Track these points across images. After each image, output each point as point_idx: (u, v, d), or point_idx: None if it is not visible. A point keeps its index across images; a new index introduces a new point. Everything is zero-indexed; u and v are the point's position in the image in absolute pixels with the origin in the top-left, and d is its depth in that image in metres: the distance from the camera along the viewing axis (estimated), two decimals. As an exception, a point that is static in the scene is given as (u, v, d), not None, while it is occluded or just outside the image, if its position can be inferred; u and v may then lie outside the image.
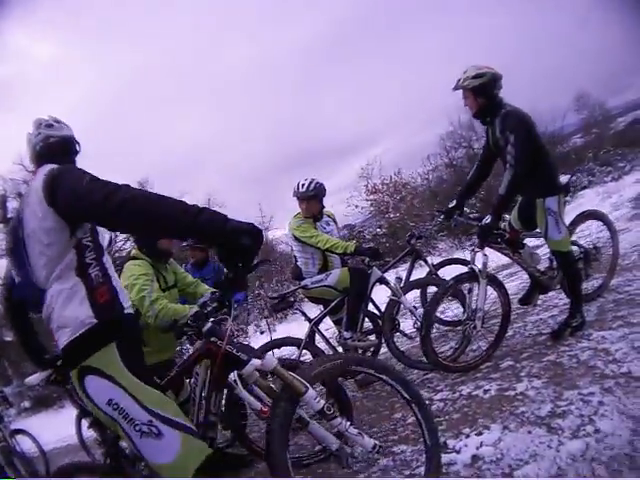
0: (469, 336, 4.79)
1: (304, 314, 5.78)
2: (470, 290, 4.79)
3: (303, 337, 5.55)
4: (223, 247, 2.08)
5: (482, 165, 5.16)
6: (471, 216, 5.16)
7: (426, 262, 6.41)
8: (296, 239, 5.69)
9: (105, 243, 2.61)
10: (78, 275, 2.39)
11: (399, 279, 6.05)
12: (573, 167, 17.10)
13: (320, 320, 5.75)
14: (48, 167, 2.40)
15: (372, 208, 17.41)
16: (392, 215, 16.03)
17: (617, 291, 5.40)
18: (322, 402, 2.60)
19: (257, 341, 10.79)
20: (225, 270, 2.26)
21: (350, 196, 17.66)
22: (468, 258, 4.87)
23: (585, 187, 16.28)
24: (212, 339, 2.72)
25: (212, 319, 2.81)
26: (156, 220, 2.09)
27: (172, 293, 4.38)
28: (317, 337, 5.80)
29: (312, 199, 5.68)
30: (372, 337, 5.80)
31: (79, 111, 38.88)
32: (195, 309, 2.83)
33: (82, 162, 2.56)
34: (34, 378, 4.51)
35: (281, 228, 21.62)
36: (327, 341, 5.77)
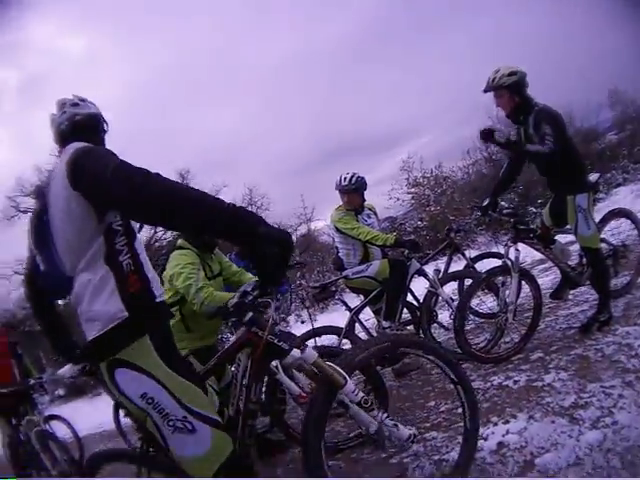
0: (502, 328, 4.92)
1: (345, 304, 5.95)
2: (503, 284, 4.97)
3: (343, 326, 5.66)
4: (253, 250, 1.95)
5: (513, 163, 5.30)
6: (504, 212, 5.23)
7: (464, 255, 6.56)
8: (338, 230, 5.82)
9: (137, 226, 2.46)
10: (107, 263, 2.20)
11: (437, 271, 6.12)
12: (607, 164, 16.99)
13: (360, 310, 5.87)
14: (74, 146, 2.22)
15: (413, 201, 17.62)
16: (433, 208, 15.94)
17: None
18: (360, 394, 2.60)
19: (298, 330, 10.71)
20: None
21: (391, 189, 17.71)
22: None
23: (619, 184, 16.10)
24: (253, 329, 2.67)
25: (253, 308, 2.73)
26: (186, 219, 1.95)
27: (217, 281, 4.45)
28: (357, 327, 5.94)
29: (354, 192, 5.83)
30: (410, 327, 6.00)
31: (114, 107, 39.23)
32: (235, 299, 2.74)
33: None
34: (66, 370, 4.66)
35: (323, 219, 22.01)
36: (367, 330, 5.93)
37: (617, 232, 6.02)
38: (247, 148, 41.71)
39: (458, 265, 6.94)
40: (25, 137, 36.13)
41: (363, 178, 5.89)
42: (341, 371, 2.59)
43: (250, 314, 2.68)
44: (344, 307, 5.93)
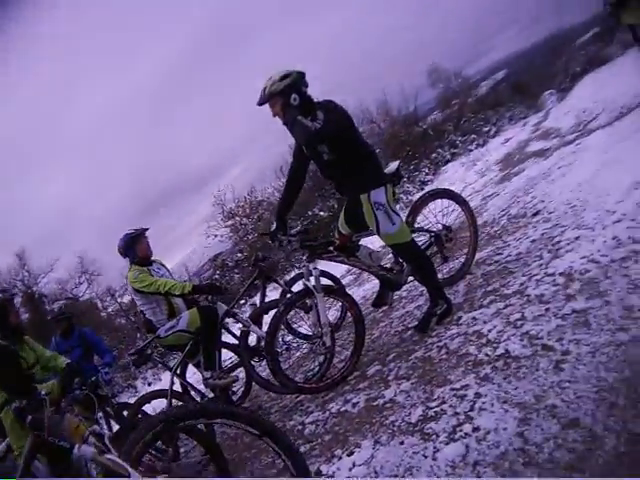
0: (324, 352, 4.67)
1: (163, 364, 5.93)
2: (311, 307, 4.64)
3: (167, 388, 5.41)
4: None
5: (295, 172, 4.86)
6: (292, 232, 4.90)
7: (277, 281, 6.43)
8: (137, 291, 5.55)
9: None
10: None
11: (254, 305, 6.20)
12: (431, 144, 17.59)
13: (179, 367, 5.65)
14: None
15: (232, 234, 17.45)
16: (251, 237, 15.91)
17: (486, 263, 5.27)
18: None
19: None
20: None
21: (208, 226, 17.59)
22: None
23: (448, 161, 16.58)
24: (35, 433, 2.75)
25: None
26: None
27: (37, 371, 4.44)
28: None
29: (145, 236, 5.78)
30: (236, 372, 5.83)
31: None
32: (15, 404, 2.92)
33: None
34: None
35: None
36: (192, 387, 5.69)
37: (435, 215, 5.77)
38: (77, 212, 40.95)
39: (276, 293, 6.69)
40: None
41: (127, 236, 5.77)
42: (122, 464, 2.53)
43: (29, 417, 2.75)
44: (163, 367, 5.96)
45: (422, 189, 14.77)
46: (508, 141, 14.28)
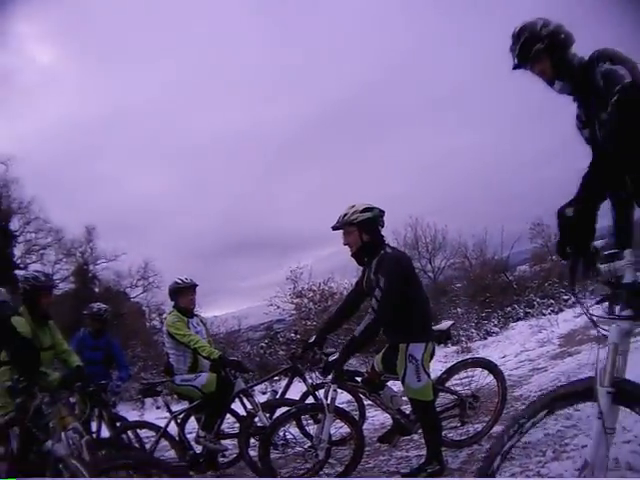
0: (314, 464, 4.68)
1: (167, 406, 5.88)
2: (319, 420, 4.79)
3: (163, 425, 5.74)
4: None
5: (349, 303, 5.13)
6: (326, 351, 5.15)
7: (304, 381, 6.43)
8: (170, 335, 5.84)
9: None
10: None
11: (274, 392, 6.27)
12: (511, 297, 17.39)
13: (181, 415, 5.98)
14: None
15: (294, 312, 17.34)
16: (310, 322, 15.75)
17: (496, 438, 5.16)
18: None
19: (152, 414, 10.87)
20: None
21: (275, 295, 17.37)
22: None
23: (520, 319, 16.29)
24: (18, 415, 2.99)
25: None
26: None
27: (48, 354, 4.67)
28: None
29: (194, 291, 6.14)
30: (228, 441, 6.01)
31: (55, 128, 38.83)
32: (8, 384, 2.98)
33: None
34: None
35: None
36: (184, 437, 5.82)
37: (468, 382, 5.80)
38: (158, 219, 41.36)
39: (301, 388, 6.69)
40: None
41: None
42: (83, 471, 2.75)
43: (19, 400, 2.98)
44: (166, 409, 5.90)
45: (485, 338, 14.92)
46: (579, 316, 13.98)
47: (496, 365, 5.70)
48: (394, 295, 4.37)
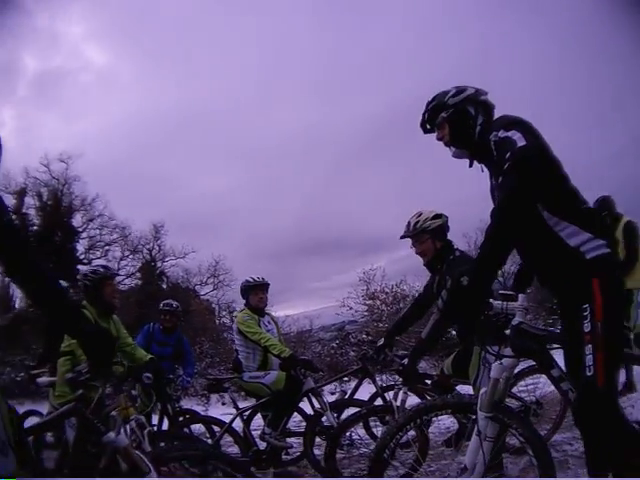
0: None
1: (234, 402, 5.97)
2: (387, 422, 4.80)
3: (227, 421, 5.76)
4: (83, 346, 2.34)
5: (417, 305, 5.09)
6: (398, 353, 5.19)
7: (374, 383, 6.36)
8: (240, 333, 5.91)
9: None
10: None
11: (343, 392, 6.27)
12: None
13: (247, 411, 5.97)
14: None
15: (366, 313, 17.27)
16: (382, 325, 15.55)
17: (556, 448, 5.08)
18: None
19: (217, 410, 10.84)
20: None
21: (347, 296, 17.36)
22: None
23: None
24: (79, 405, 2.82)
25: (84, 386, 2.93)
26: (44, 300, 2.26)
27: None
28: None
29: (266, 290, 6.17)
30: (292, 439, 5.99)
31: (119, 127, 39.69)
32: (70, 375, 2.94)
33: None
34: None
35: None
36: (249, 434, 5.83)
37: (533, 388, 5.64)
38: (229, 218, 41.56)
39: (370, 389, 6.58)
40: (30, 127, 35.93)
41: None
42: (146, 461, 2.77)
43: (80, 391, 2.86)
44: (232, 405, 5.98)
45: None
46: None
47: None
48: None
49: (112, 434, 2.78)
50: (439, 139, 3.17)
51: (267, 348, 5.61)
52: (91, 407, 2.84)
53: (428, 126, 3.23)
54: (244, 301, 6.19)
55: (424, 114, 3.23)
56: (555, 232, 2.60)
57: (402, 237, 4.63)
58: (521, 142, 2.55)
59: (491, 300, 2.87)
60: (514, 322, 2.79)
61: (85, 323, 2.27)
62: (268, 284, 6.17)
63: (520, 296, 2.84)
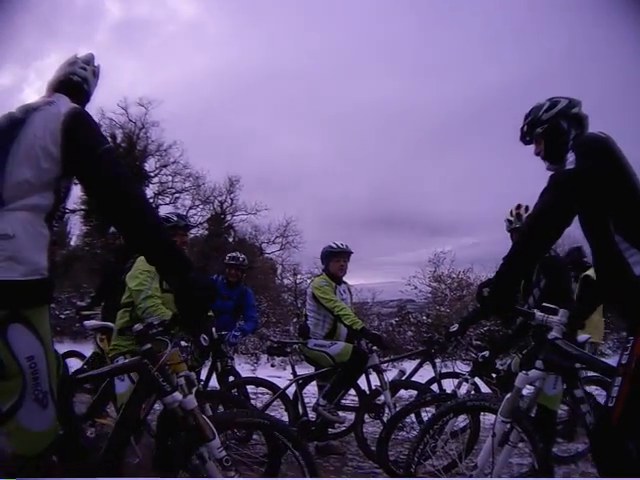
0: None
1: (293, 368, 5.90)
2: None
3: (282, 387, 5.75)
4: (178, 293, 2.29)
5: None
6: (473, 343, 5.21)
7: (434, 367, 6.29)
8: (314, 298, 5.80)
9: None
10: (46, 221, 2.24)
11: (402, 372, 6.14)
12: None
13: (305, 379, 5.94)
14: (69, 102, 2.36)
15: (430, 295, 17.29)
16: (443, 309, 15.59)
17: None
18: (223, 453, 2.62)
19: (264, 371, 11.08)
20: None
21: (414, 275, 17.35)
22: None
23: None
24: (145, 360, 2.69)
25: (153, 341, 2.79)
26: (136, 234, 2.28)
27: (167, 297, 4.45)
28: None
29: (348, 258, 6.02)
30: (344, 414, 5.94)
31: (202, 79, 40.22)
32: (140, 327, 2.77)
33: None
34: None
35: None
36: (301, 401, 5.79)
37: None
38: (304, 181, 41.58)
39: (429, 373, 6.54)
40: (108, 71, 37.59)
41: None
42: (212, 427, 2.63)
43: (148, 345, 2.71)
44: (291, 371, 5.94)
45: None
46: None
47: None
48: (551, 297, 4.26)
49: (178, 394, 2.64)
50: (537, 154, 3.17)
51: (339, 317, 5.52)
52: (159, 364, 2.65)
53: (527, 139, 3.24)
54: (322, 266, 6.13)
55: (522, 128, 3.24)
56: (624, 257, 2.55)
57: (510, 230, 4.72)
58: (570, 165, 2.57)
59: (535, 310, 2.94)
60: (550, 336, 2.84)
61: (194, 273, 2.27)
62: (351, 252, 6.03)
63: (561, 311, 2.87)
